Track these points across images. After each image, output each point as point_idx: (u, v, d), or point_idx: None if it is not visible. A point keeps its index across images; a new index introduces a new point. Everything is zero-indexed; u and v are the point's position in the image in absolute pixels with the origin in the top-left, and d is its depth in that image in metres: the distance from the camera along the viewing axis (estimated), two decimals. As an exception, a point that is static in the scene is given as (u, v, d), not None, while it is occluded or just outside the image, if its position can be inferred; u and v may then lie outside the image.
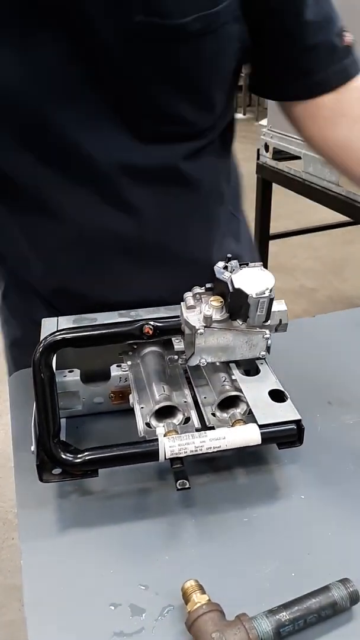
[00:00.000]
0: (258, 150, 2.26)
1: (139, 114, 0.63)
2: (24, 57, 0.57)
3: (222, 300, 0.56)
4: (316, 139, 0.74)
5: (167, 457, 0.53)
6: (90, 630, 0.48)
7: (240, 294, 0.53)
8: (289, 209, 3.16)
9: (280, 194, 2.45)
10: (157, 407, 0.57)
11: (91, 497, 0.60)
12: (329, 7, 0.67)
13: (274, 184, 2.25)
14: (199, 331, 0.56)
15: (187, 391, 0.64)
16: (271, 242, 2.45)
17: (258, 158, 2.27)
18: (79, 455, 0.54)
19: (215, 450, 0.54)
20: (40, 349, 0.53)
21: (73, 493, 0.60)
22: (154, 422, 0.57)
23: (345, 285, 3.20)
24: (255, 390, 0.59)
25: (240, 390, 0.59)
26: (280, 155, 2.12)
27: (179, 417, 0.58)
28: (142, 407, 0.59)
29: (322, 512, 0.58)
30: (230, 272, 0.55)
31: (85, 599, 0.50)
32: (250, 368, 0.63)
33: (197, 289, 0.59)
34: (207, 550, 0.54)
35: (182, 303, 0.58)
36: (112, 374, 0.65)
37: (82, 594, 0.51)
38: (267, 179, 2.26)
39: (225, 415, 0.59)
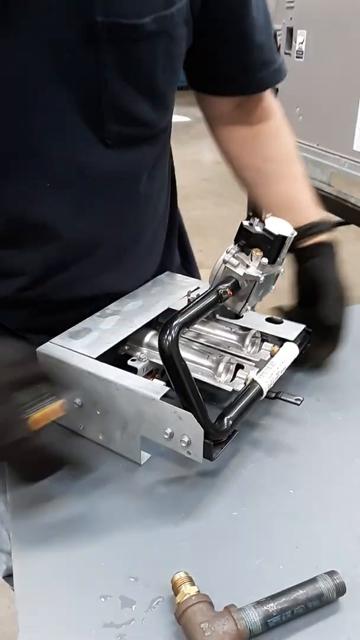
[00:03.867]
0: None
1: (102, 114, 0.64)
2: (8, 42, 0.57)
3: (261, 249, 0.62)
4: (221, 135, 0.86)
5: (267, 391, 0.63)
6: (80, 621, 0.48)
7: (278, 239, 0.61)
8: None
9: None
10: (232, 366, 0.67)
11: (81, 491, 0.60)
12: (265, 9, 0.74)
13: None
14: (260, 279, 0.62)
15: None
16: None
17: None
18: (224, 424, 0.57)
19: (283, 370, 0.65)
20: (169, 342, 0.54)
21: (63, 484, 0.60)
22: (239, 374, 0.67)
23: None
24: (258, 324, 0.74)
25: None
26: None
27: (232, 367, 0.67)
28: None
29: (309, 506, 0.58)
30: (257, 225, 0.62)
31: (76, 591, 0.51)
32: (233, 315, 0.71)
33: (230, 249, 0.64)
34: (196, 543, 0.55)
35: (223, 266, 0.64)
36: (138, 367, 0.68)
37: (73, 585, 0.51)
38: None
39: (262, 350, 0.72)
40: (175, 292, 0.79)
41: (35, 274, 0.71)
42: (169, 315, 0.74)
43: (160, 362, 0.67)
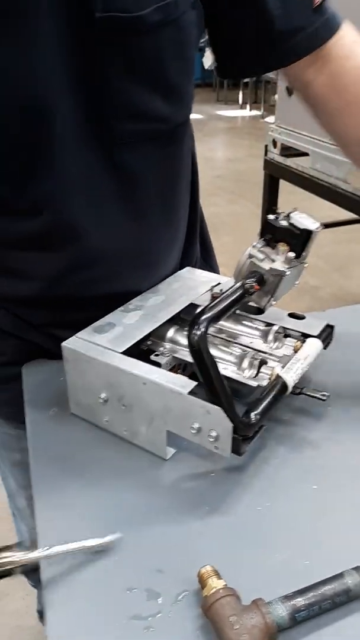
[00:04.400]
0: (266, 146, 2.27)
1: (112, 113, 0.62)
2: (15, 51, 0.55)
3: (287, 244, 0.63)
4: (317, 112, 0.75)
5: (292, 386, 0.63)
6: (107, 613, 0.49)
7: (303, 233, 0.62)
8: (292, 206, 3.17)
9: (284, 192, 2.45)
10: (256, 362, 0.67)
11: (107, 485, 0.61)
12: None
13: (280, 181, 2.26)
14: (286, 274, 0.63)
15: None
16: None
17: (266, 154, 2.27)
18: (251, 419, 0.57)
19: (307, 366, 0.65)
20: (198, 337, 0.55)
21: (87, 479, 0.61)
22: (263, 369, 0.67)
23: (349, 282, 3.21)
24: (280, 320, 0.74)
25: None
26: (288, 151, 2.12)
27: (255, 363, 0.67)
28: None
29: (334, 502, 0.58)
30: (282, 220, 0.63)
31: (102, 583, 0.51)
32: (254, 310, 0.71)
33: (256, 243, 0.65)
34: (221, 537, 0.55)
35: (249, 261, 0.64)
36: (161, 362, 0.68)
37: (99, 578, 0.52)
38: (274, 175, 2.27)
39: (285, 345, 0.72)
40: (197, 287, 0.79)
41: (60, 275, 0.72)
42: (192, 310, 0.74)
43: (183, 358, 0.69)
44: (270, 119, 2.22)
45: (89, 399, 0.67)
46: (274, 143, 2.20)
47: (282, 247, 0.63)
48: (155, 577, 0.51)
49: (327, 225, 3.21)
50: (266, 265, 0.63)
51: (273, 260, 0.64)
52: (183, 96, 0.69)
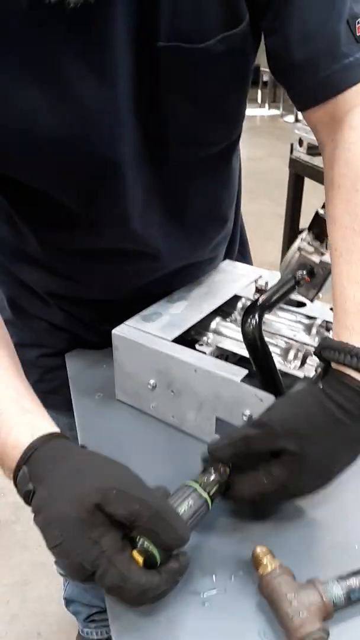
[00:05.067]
0: (292, 145, 2.27)
1: (170, 138, 0.62)
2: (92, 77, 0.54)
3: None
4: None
5: None
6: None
7: None
8: (317, 204, 3.17)
9: (308, 191, 2.46)
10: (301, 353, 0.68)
11: (158, 471, 0.62)
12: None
13: (306, 180, 2.26)
14: None
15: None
16: (300, 238, 2.46)
17: (291, 153, 2.28)
18: None
19: None
20: (253, 326, 0.57)
21: (135, 459, 0.62)
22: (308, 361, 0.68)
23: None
24: (323, 313, 0.75)
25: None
26: (314, 150, 2.13)
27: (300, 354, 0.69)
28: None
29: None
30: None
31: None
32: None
33: (305, 236, 0.65)
34: (271, 520, 0.56)
35: (298, 253, 0.65)
36: (206, 352, 0.68)
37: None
38: (299, 174, 2.27)
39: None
40: (238, 279, 0.81)
41: (117, 283, 0.75)
42: (234, 302, 0.76)
43: (227, 348, 0.70)
44: (289, 118, 2.22)
45: (136, 385, 0.68)
46: (300, 142, 2.20)
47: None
48: (209, 557, 0.53)
49: None
50: (316, 258, 0.65)
51: (322, 254, 0.65)
52: (238, 118, 0.68)
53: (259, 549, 0.50)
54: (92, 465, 0.48)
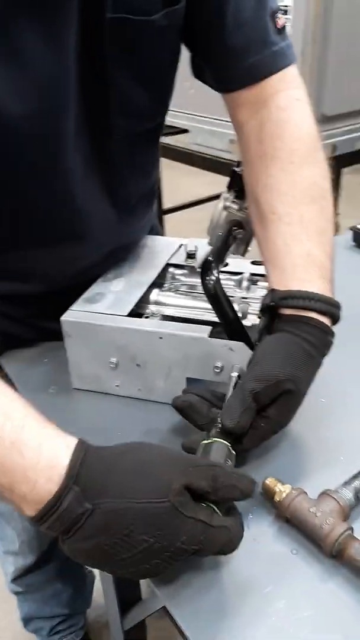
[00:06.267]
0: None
1: (110, 109, 0.63)
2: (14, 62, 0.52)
3: None
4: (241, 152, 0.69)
5: None
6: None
7: None
8: (175, 181, 3.26)
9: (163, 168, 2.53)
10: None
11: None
12: None
13: (162, 159, 2.32)
14: None
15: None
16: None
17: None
18: None
19: None
20: (213, 282, 0.60)
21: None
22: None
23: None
24: (247, 268, 0.79)
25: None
26: (167, 130, 2.19)
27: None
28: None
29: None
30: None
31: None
32: None
33: (227, 195, 0.69)
34: (262, 452, 0.60)
35: (225, 212, 0.67)
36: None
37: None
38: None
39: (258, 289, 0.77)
40: (163, 250, 0.83)
41: (54, 272, 0.73)
42: (164, 272, 0.78)
43: (173, 314, 0.72)
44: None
45: (96, 368, 0.68)
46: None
47: None
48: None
49: (206, 200, 3.28)
50: (243, 214, 0.69)
51: (247, 209, 0.69)
52: (170, 95, 0.71)
53: (268, 480, 0.54)
54: (146, 454, 0.45)
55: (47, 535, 0.68)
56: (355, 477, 0.54)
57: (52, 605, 1.22)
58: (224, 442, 0.51)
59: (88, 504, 0.41)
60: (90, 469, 0.42)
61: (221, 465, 0.47)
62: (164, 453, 0.46)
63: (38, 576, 1.13)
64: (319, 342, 0.56)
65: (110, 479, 0.42)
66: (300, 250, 0.60)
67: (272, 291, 0.60)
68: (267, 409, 0.54)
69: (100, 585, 1.06)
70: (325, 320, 0.57)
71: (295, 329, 0.57)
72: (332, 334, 0.58)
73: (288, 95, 0.66)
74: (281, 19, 0.65)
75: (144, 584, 1.07)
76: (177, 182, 3.16)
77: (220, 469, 0.45)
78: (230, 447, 0.51)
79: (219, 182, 2.18)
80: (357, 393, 0.70)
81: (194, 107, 1.99)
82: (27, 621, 1.27)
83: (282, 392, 0.53)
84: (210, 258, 0.61)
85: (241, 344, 0.59)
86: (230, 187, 0.71)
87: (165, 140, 2.22)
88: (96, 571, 1.19)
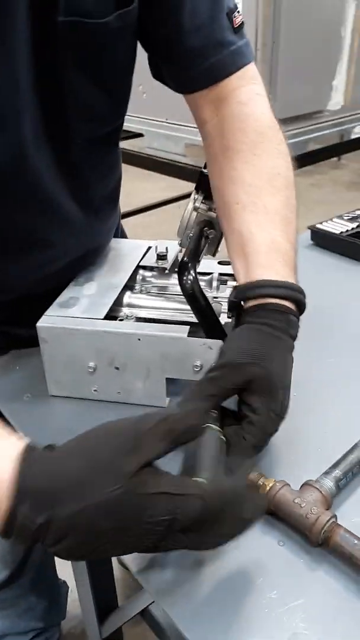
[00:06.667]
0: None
1: (68, 113, 0.62)
2: None
3: None
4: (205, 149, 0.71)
5: None
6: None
7: None
8: (130, 185, 3.26)
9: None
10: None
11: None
12: None
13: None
14: None
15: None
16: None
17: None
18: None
19: None
20: (191, 281, 0.60)
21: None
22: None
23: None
24: (215, 268, 0.80)
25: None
26: (123, 134, 2.19)
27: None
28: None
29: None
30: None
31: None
32: None
33: (197, 197, 0.70)
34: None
35: (195, 213, 0.69)
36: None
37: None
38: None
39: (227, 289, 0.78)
40: (132, 253, 0.83)
41: (21, 276, 0.72)
42: (133, 275, 0.78)
43: (146, 316, 0.73)
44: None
45: (73, 373, 0.68)
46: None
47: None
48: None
49: (157, 205, 3.29)
50: (213, 214, 0.70)
51: (214, 210, 0.71)
52: (127, 98, 0.70)
53: (252, 475, 0.55)
54: (92, 442, 0.43)
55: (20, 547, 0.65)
56: (334, 466, 0.56)
57: (27, 620, 1.19)
58: (215, 427, 0.52)
59: (41, 517, 0.39)
60: (38, 479, 0.40)
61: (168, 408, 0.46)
62: (110, 433, 0.44)
63: (12, 591, 1.10)
64: (280, 322, 0.57)
65: (60, 484, 0.40)
66: (264, 238, 0.61)
67: (234, 288, 0.61)
68: (250, 405, 0.54)
69: (74, 596, 1.05)
70: (287, 304, 0.58)
71: (254, 318, 0.57)
72: (294, 313, 0.58)
73: (248, 90, 0.68)
74: (238, 18, 0.66)
75: (120, 592, 1.07)
76: (130, 187, 3.17)
77: (170, 415, 0.43)
78: (221, 433, 0.52)
79: (175, 187, 2.21)
80: (325, 386, 0.72)
81: (147, 111, 2.00)
82: (1, 638, 1.24)
83: (250, 377, 0.53)
84: (185, 259, 0.62)
85: (219, 341, 0.61)
86: (198, 188, 0.72)
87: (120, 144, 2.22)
88: (71, 582, 1.17)
